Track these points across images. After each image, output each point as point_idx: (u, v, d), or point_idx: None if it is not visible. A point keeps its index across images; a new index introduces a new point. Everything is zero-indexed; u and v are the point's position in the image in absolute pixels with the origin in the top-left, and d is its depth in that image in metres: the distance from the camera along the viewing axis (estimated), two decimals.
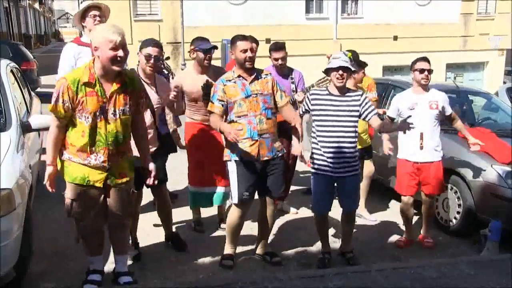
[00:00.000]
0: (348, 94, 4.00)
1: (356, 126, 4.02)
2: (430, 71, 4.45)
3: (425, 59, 4.51)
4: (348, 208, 4.17)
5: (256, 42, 5.44)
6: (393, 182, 5.66)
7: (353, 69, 3.96)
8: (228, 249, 4.15)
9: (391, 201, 5.88)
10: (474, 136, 4.94)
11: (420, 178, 4.53)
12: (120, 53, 3.02)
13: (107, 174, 3.28)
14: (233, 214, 4.01)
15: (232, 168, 3.90)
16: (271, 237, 4.72)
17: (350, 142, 3.97)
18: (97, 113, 3.14)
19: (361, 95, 4.03)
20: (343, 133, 3.94)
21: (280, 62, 4.91)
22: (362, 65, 5.01)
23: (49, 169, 3.29)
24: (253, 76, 3.91)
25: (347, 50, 4.38)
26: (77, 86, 3.09)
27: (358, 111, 3.97)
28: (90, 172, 3.24)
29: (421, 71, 4.43)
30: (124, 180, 3.37)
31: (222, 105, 3.85)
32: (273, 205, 4.13)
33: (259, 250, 4.27)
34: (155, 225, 4.71)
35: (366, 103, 3.99)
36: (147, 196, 4.63)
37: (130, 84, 3.26)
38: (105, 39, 3.01)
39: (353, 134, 3.98)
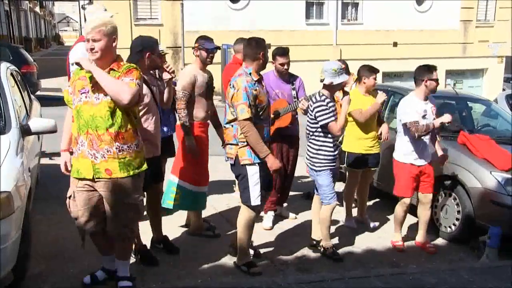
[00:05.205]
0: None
1: (314, 129, 4.27)
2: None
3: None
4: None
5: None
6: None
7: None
8: (247, 256, 4.08)
9: (391, 208, 5.87)
10: (474, 143, 4.98)
11: (420, 179, 4.65)
12: (88, 45, 3.25)
13: (94, 165, 3.25)
14: (249, 216, 3.95)
15: (254, 171, 3.86)
16: (270, 242, 4.73)
17: (311, 143, 4.33)
18: (80, 96, 3.29)
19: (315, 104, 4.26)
20: (308, 135, 4.36)
21: (285, 67, 4.94)
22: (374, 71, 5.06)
23: (62, 156, 3.58)
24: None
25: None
26: (77, 72, 3.39)
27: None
28: (80, 163, 3.30)
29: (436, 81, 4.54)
30: (113, 176, 3.28)
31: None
32: None
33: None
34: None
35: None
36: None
37: (113, 73, 3.32)
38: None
39: (312, 137, 4.30)
